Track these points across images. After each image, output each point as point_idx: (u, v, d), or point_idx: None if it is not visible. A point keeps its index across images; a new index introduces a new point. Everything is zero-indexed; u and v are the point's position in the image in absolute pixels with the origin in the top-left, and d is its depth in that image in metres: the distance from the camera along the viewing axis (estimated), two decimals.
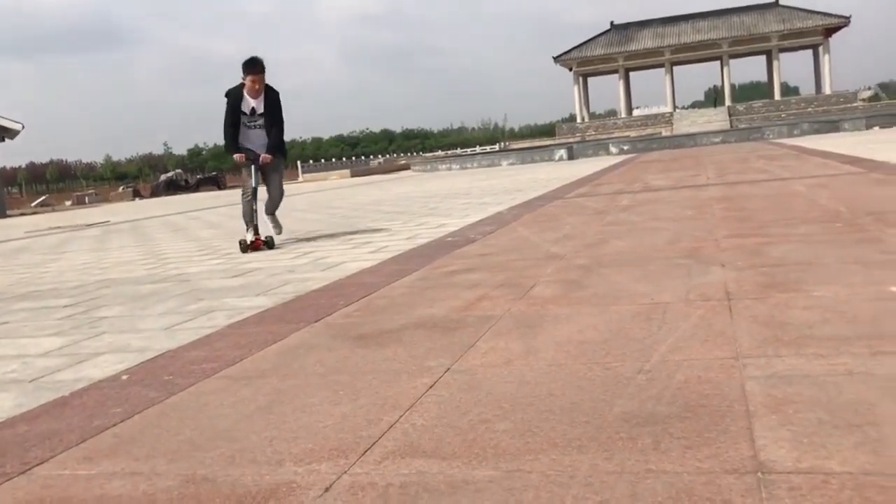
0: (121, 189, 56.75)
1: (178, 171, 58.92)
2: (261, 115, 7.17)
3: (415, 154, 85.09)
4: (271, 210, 7.57)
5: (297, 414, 2.30)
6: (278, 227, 7.62)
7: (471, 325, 3.20)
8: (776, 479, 1.56)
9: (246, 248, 7.03)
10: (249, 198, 7.24)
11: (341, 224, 9.41)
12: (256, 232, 7.20)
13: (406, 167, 43.82)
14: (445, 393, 2.34)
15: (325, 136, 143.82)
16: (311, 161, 69.37)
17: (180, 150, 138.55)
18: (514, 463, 1.78)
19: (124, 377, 2.96)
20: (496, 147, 67.05)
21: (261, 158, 7.19)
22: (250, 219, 7.23)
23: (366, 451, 1.94)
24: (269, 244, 7.16)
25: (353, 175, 39.76)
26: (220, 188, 46.57)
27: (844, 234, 4.58)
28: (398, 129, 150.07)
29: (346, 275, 5.01)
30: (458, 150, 74.41)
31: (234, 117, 7.11)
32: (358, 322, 3.49)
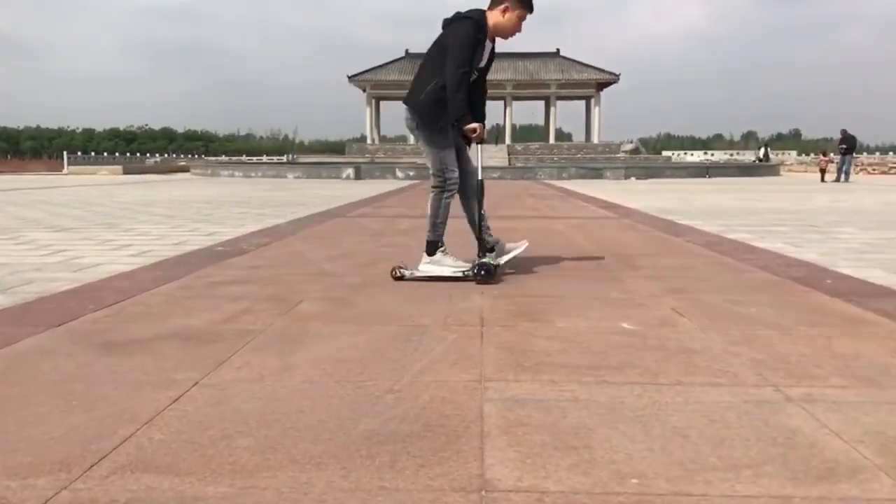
0: None
1: None
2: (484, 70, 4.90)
3: (197, 157, 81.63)
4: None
5: (21, 424, 2.11)
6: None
7: (228, 338, 3.12)
8: (497, 497, 1.66)
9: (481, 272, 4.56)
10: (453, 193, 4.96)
11: (103, 223, 8.79)
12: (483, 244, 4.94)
13: (186, 169, 41.92)
14: (189, 407, 2.26)
15: (99, 127, 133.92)
16: (79, 153, 64.21)
17: None
18: (250, 480, 1.75)
19: None
20: (284, 158, 66.05)
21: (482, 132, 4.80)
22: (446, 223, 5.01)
23: (92, 466, 1.82)
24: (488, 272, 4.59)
25: (126, 172, 37.34)
26: None
27: (591, 271, 5.00)
28: (181, 129, 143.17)
29: (101, 278, 4.69)
30: (244, 158, 72.47)
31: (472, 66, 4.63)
32: (106, 328, 3.27)
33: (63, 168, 45.25)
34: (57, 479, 1.75)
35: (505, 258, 4.99)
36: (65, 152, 62.22)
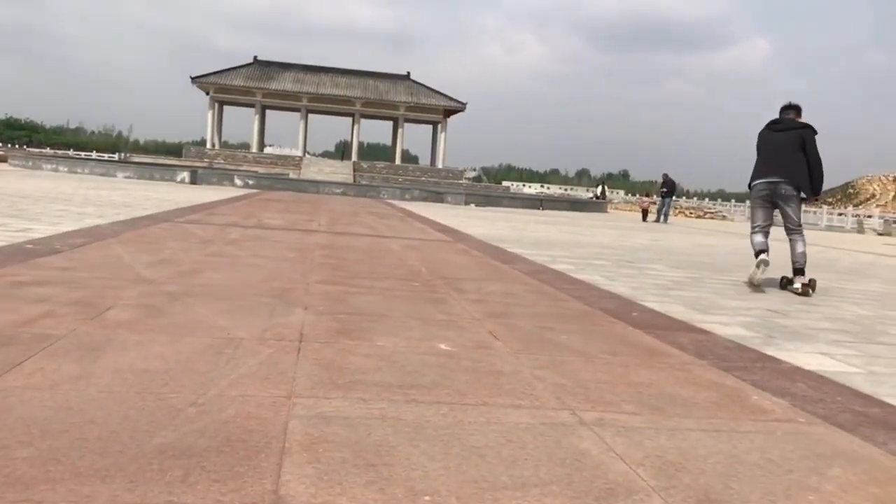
0: None
1: None
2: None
3: (18, 147, 75.65)
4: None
5: None
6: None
7: (24, 342, 2.91)
8: None
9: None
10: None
11: None
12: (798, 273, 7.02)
13: (3, 159, 38.72)
14: None
15: None
16: None
17: None
18: (25, 493, 1.64)
19: None
20: (115, 156, 62.50)
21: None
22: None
23: None
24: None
25: None
26: None
27: (419, 292, 5.09)
28: (1, 116, 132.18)
29: None
30: (71, 152, 67.94)
31: None
32: None
33: None
34: None
35: None
36: None
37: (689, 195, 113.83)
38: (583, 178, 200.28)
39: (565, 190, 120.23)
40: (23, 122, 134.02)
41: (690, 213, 45.44)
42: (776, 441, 2.50)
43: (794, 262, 6.98)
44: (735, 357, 3.81)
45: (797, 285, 6.83)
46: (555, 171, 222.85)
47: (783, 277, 7.11)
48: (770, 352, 4.04)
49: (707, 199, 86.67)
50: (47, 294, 3.92)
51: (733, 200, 61.02)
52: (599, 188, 51.98)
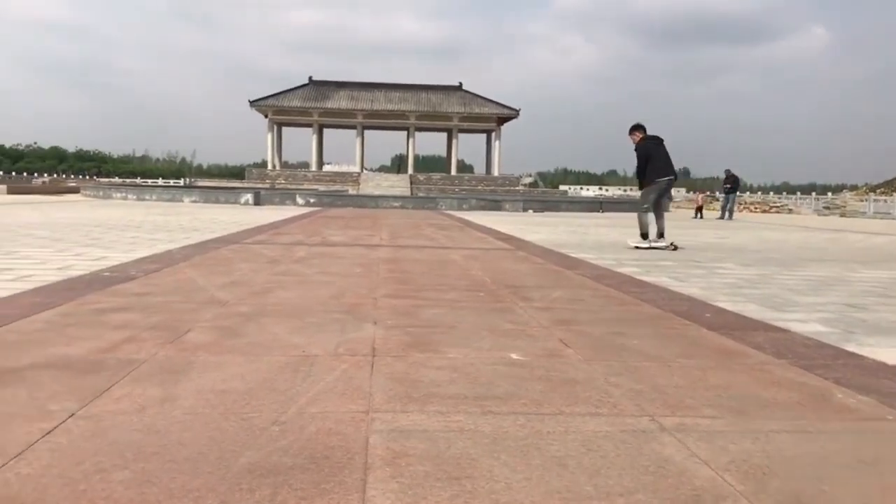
0: None
1: None
2: None
3: (88, 177, 78.46)
4: (642, 229, 10.99)
5: None
6: (651, 240, 10.77)
7: (109, 368, 3.02)
8: None
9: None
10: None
11: None
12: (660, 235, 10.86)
13: (76, 190, 40.22)
14: (63, 440, 2.17)
15: None
16: None
17: None
18: None
19: None
20: (181, 182, 64.27)
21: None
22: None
23: None
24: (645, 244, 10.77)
25: (10, 192, 35.47)
26: None
27: (485, 302, 5.09)
28: (71, 149, 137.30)
29: None
30: (139, 180, 70.12)
31: None
32: None
33: None
34: None
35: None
36: None
37: (752, 190, 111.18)
38: None
39: (624, 191, 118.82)
40: (91, 153, 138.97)
41: (755, 208, 44.35)
42: (866, 441, 2.42)
43: (662, 230, 10.89)
44: (815, 355, 3.70)
45: (670, 242, 10.79)
46: (612, 173, 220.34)
47: (672, 243, 10.72)
48: (851, 348, 3.92)
49: (772, 193, 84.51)
50: (127, 320, 4.05)
51: (798, 193, 59.28)
52: None
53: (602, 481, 2.01)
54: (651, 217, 10.92)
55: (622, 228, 17.50)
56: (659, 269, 7.73)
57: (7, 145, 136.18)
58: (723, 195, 29.12)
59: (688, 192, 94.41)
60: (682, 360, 3.51)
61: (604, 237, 13.73)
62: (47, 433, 2.23)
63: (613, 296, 5.60)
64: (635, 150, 11.05)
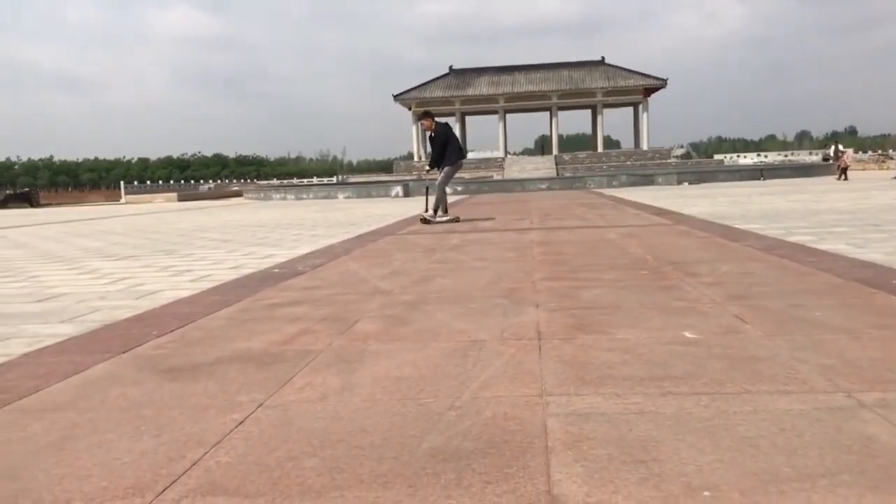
0: None
1: None
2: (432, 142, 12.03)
3: (249, 181, 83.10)
4: (434, 205, 11.74)
5: (93, 450, 2.16)
6: (439, 215, 11.67)
7: (289, 359, 3.16)
8: None
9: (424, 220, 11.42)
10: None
11: (162, 250, 9.00)
12: (426, 210, 11.62)
13: (239, 194, 42.72)
14: (255, 429, 2.28)
15: (153, 156, 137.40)
16: (135, 182, 66.06)
17: None
18: (318, 500, 1.76)
19: None
20: (333, 179, 66.82)
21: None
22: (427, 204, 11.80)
23: (164, 490, 1.85)
24: (424, 220, 11.40)
25: (181, 199, 38.22)
26: (32, 205, 43.29)
27: (648, 280, 4.93)
28: (232, 155, 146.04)
29: (162, 304, 4.79)
30: (294, 180, 73.53)
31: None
32: (169, 354, 3.34)
33: (121, 197, 46.49)
34: None
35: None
36: (122, 182, 64.05)
37: None
38: (803, 140, 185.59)
39: (785, 156, 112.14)
40: (250, 157, 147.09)
41: None
42: None
43: (442, 205, 11.85)
44: None
45: (455, 216, 11.83)
46: (771, 137, 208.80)
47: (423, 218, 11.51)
48: None
49: None
50: (300, 313, 4.23)
51: None
52: (832, 148, 47.58)
53: (800, 462, 1.88)
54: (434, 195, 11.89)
55: (786, 195, 16.51)
56: (834, 237, 7.21)
57: (175, 155, 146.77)
58: None
59: (856, 151, 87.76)
60: (873, 330, 3.24)
61: (768, 206, 13.00)
62: (239, 423, 2.35)
63: (788, 266, 5.27)
64: (434, 135, 11.88)
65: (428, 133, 12.13)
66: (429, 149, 12.65)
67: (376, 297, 4.71)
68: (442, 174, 11.96)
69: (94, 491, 1.87)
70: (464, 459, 1.96)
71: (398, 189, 29.76)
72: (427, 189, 12.37)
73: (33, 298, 5.30)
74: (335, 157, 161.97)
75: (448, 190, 12.58)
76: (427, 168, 12.55)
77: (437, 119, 12.17)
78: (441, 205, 11.91)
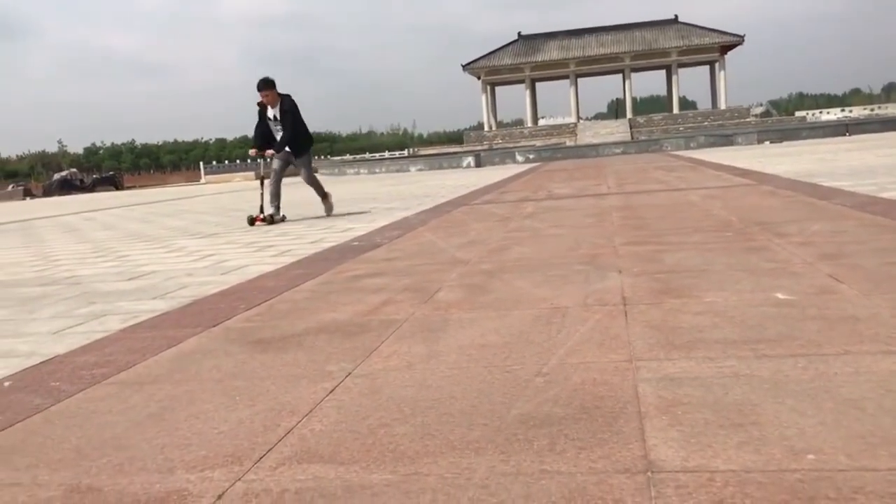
0: (10, 188, 53.80)
1: (73, 170, 56.85)
2: (279, 120, 9.28)
3: (322, 157, 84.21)
4: (273, 194, 9.51)
5: (191, 420, 2.23)
6: (327, 208, 10.18)
7: (374, 329, 3.19)
8: (665, 477, 1.61)
9: (251, 222, 9.18)
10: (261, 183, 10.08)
11: (243, 228, 9.22)
12: (261, 211, 9.34)
13: (315, 170, 43.31)
14: (345, 398, 2.32)
15: (230, 136, 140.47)
16: (214, 162, 67.79)
17: (76, 148, 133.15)
18: (412, 466, 1.77)
19: (7, 384, 2.80)
20: (405, 153, 67.15)
21: (266, 153, 9.49)
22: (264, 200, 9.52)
23: (261, 458, 1.90)
24: (267, 220, 9.12)
25: (257, 178, 38.96)
26: (117, 188, 45.00)
27: (735, 242, 4.79)
28: None
29: (248, 278, 4.91)
30: (367, 155, 74.19)
31: (262, 123, 9.49)
32: (258, 327, 3.42)
33: (201, 178, 47.77)
34: (231, 472, 1.83)
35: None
36: (201, 163, 65.86)
37: None
38: (891, 93, 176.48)
39: (871, 110, 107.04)
40: (323, 134, 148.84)
41: None
42: None
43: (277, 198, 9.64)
44: None
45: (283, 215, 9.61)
46: (855, 91, 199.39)
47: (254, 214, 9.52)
48: None
49: None
50: (381, 284, 4.27)
51: None
52: None
53: None
54: (269, 188, 9.72)
55: (875, 150, 15.77)
56: None
57: (251, 135, 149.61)
58: None
59: None
60: None
61: (856, 162, 12.44)
62: (330, 392, 2.39)
63: (883, 224, 5.03)
64: (287, 110, 9.23)
65: (269, 110, 9.36)
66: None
67: (455, 266, 4.71)
68: (304, 169, 9.89)
69: (195, 459, 1.93)
70: (555, 425, 1.94)
71: (469, 159, 29.68)
72: (263, 180, 10.37)
73: (125, 277, 5.51)
74: (406, 130, 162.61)
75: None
76: (263, 151, 9.56)
77: (270, 91, 9.22)
78: (319, 189, 10.25)
